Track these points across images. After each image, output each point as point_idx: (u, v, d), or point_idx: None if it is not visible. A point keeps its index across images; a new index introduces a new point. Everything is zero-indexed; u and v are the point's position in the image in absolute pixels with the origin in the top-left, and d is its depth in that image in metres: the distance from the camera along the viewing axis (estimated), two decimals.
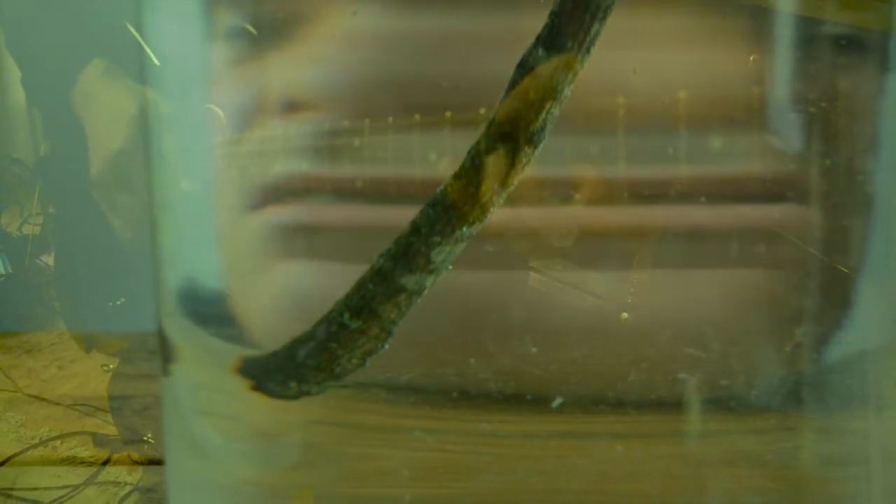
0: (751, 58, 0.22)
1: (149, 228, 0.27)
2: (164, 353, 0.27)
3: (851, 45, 0.23)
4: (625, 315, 0.23)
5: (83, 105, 0.79)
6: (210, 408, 0.26)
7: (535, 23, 0.20)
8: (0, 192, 1.12)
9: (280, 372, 0.23)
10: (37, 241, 1.04)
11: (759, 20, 0.22)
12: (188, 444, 0.27)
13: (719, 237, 0.23)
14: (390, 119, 0.23)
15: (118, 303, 0.82)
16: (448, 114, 0.23)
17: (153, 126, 0.27)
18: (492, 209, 0.21)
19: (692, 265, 0.23)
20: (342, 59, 0.23)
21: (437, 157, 0.23)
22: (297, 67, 0.24)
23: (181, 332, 0.27)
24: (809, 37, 0.22)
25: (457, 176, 0.21)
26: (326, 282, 0.24)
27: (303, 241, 0.25)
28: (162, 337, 0.27)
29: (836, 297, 0.24)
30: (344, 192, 0.24)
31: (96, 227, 0.83)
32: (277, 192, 0.25)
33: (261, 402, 0.24)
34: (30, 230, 1.07)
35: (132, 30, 0.26)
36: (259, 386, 0.24)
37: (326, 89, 0.24)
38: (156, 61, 0.26)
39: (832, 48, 0.23)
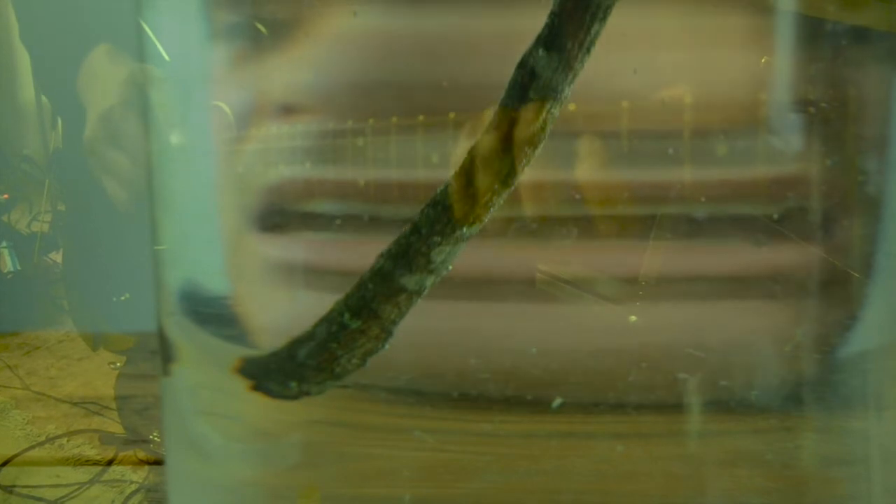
0: (762, 60, 0.22)
1: (149, 230, 0.27)
2: (165, 353, 0.27)
3: (861, 46, 0.23)
4: (633, 318, 0.23)
5: (87, 86, 0.80)
6: (210, 408, 0.26)
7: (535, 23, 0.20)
8: (10, 189, 1.12)
9: (280, 372, 0.23)
10: (45, 238, 1.05)
11: (770, 21, 0.22)
12: (188, 445, 0.27)
13: (721, 235, 0.23)
14: (391, 120, 0.23)
15: (122, 298, 0.82)
16: (450, 115, 0.23)
17: (154, 126, 0.27)
18: (492, 209, 0.21)
19: (695, 262, 0.23)
20: (341, 61, 0.23)
21: (439, 158, 0.23)
22: (295, 69, 0.24)
23: (181, 332, 0.27)
24: (819, 38, 0.22)
25: (457, 176, 0.21)
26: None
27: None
28: (162, 337, 0.27)
29: (842, 297, 0.24)
30: (345, 194, 0.24)
31: (105, 224, 0.84)
32: (278, 195, 0.25)
33: (261, 402, 0.24)
34: (38, 227, 1.08)
35: (145, 27, 0.26)
36: (259, 386, 0.24)
37: (324, 91, 0.24)
38: (167, 57, 0.26)
39: (840, 49, 0.22)
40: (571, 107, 0.22)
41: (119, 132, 0.74)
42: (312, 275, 0.25)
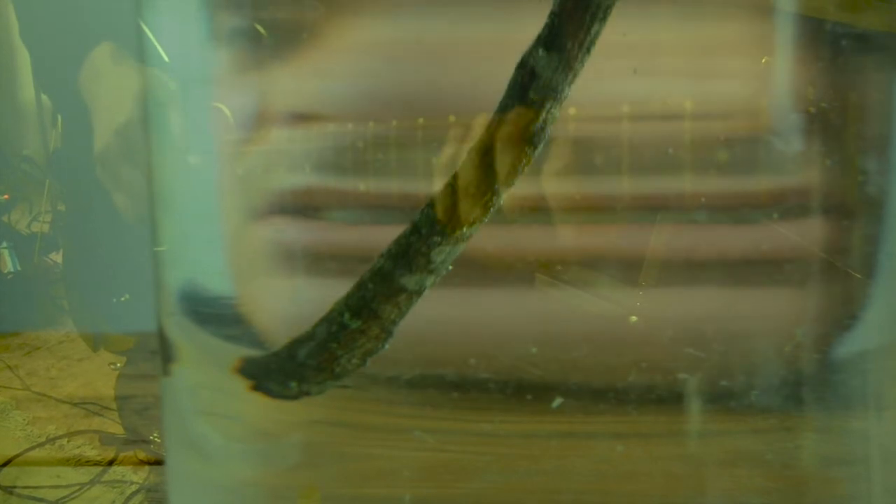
0: (762, 60, 0.22)
1: (149, 230, 0.27)
2: (165, 353, 0.27)
3: (862, 47, 0.23)
4: (634, 318, 0.23)
5: (90, 85, 0.79)
6: (210, 408, 0.26)
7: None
8: (10, 189, 1.12)
9: (280, 372, 0.23)
10: (45, 238, 1.05)
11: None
12: (188, 445, 0.27)
13: (720, 236, 0.23)
14: (392, 123, 0.23)
15: (122, 299, 0.82)
16: (450, 118, 0.23)
17: (154, 126, 0.27)
18: (492, 208, 0.21)
19: (694, 264, 0.23)
20: (343, 65, 0.23)
21: (439, 160, 0.23)
22: (296, 71, 0.24)
23: (181, 332, 0.27)
24: (819, 39, 0.22)
25: (457, 176, 0.21)
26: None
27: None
28: (162, 337, 0.27)
29: (843, 297, 0.24)
30: (346, 198, 0.24)
31: (105, 225, 0.84)
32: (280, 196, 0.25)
33: (261, 402, 0.24)
34: (38, 227, 1.08)
35: (144, 28, 0.26)
36: (259, 386, 0.24)
37: (325, 94, 0.24)
38: (166, 58, 0.26)
39: (841, 50, 0.23)
40: (571, 110, 0.22)
41: (132, 148, 0.74)
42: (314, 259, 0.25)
